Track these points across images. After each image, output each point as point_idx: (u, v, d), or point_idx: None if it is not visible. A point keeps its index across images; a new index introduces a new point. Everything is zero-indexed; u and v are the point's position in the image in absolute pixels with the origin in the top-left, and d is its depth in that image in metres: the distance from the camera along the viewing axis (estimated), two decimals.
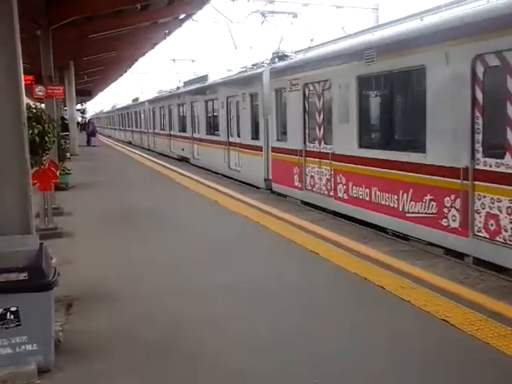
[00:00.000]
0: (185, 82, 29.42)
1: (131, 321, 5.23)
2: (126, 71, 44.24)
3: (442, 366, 4.21)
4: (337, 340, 4.74)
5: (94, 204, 12.43)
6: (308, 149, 13.22)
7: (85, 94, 43.49)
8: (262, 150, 15.87)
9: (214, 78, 23.05)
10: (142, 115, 40.23)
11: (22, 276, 4.06)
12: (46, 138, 8.20)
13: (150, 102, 36.75)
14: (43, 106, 14.66)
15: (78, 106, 51.71)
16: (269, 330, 4.98)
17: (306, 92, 13.18)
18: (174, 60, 36.26)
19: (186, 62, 37.73)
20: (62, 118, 28.28)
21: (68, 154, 19.92)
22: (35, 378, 4.05)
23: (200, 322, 5.17)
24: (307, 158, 13.28)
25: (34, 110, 8.29)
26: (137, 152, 31.28)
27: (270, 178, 15.54)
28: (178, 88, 30.57)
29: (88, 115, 77.42)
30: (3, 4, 4.73)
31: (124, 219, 10.44)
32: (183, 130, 26.56)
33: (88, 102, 71.44)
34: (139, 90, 73.27)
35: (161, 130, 32.77)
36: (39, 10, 14.70)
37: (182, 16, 21.68)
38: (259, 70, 16.59)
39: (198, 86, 24.31)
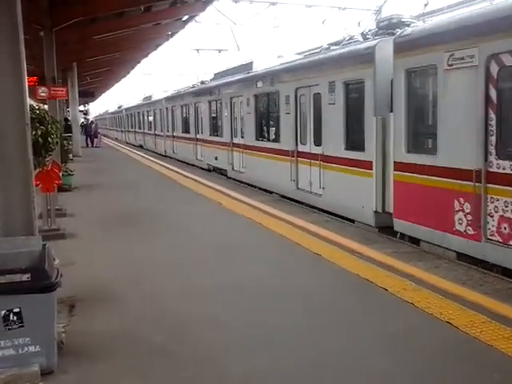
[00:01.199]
0: (216, 74, 23.84)
1: (134, 322, 5.23)
2: (128, 72, 44.32)
3: (446, 368, 4.20)
4: (339, 341, 4.73)
5: (97, 205, 12.44)
6: (494, 169, 7.56)
7: (87, 96, 43.68)
8: (370, 167, 10.44)
9: (262, 65, 17.77)
10: (158, 115, 34.31)
11: (25, 277, 4.06)
12: (49, 139, 8.22)
13: (169, 99, 30.93)
14: (46, 107, 14.69)
15: (81, 108, 51.85)
16: (272, 329, 4.97)
17: (493, 69, 7.50)
18: (197, 50, 30.35)
19: (210, 53, 31.91)
20: (65, 120, 28.33)
21: (71, 156, 19.91)
22: (38, 379, 4.05)
23: (203, 322, 5.17)
24: (492, 186, 7.61)
25: (38, 111, 8.31)
26: (140, 153, 31.28)
27: (391, 210, 9.97)
28: (203, 83, 25.69)
29: (90, 116, 77.29)
30: (7, 6, 4.75)
31: (127, 221, 10.44)
32: (216, 133, 21.35)
33: (90, 104, 71.56)
34: (144, 90, 72.81)
35: (183, 132, 27.08)
36: (43, 11, 14.75)
37: (185, 17, 21.71)
38: (366, 44, 10.83)
39: (239, 77, 18.71)
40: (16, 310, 4.03)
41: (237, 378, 4.11)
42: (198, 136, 24.05)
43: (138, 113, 43.80)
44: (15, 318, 4.04)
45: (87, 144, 38.66)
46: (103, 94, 70.95)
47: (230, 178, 19.25)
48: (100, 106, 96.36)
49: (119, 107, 61.21)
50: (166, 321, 5.25)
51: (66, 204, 11.53)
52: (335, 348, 4.60)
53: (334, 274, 6.69)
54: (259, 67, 17.75)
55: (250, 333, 4.95)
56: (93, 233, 9.41)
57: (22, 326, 4.05)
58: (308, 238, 8.48)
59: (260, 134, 16.76)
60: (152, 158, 27.20)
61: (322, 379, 4.07)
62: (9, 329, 4.03)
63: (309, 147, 13.10)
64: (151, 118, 37.36)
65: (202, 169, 22.82)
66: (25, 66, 4.92)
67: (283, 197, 14.54)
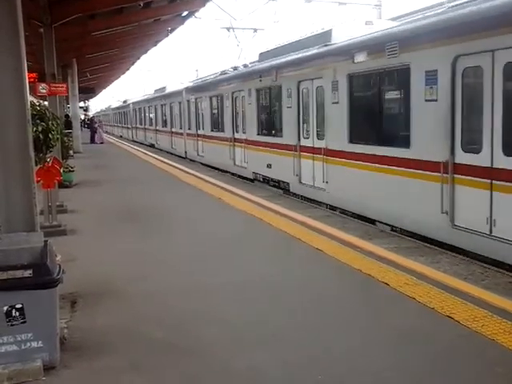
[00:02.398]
0: (264, 53, 17.80)
1: (136, 318, 5.24)
2: (128, 68, 44.28)
3: (447, 363, 4.21)
4: (340, 336, 4.74)
5: (98, 201, 12.44)
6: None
7: (88, 92, 43.60)
8: None
9: (344, 35, 12.75)
10: (176, 109, 29.07)
11: (27, 273, 4.07)
12: (50, 136, 8.24)
13: (192, 90, 25.62)
14: (46, 103, 14.69)
15: (81, 104, 51.76)
16: (273, 326, 4.98)
17: None
18: (228, 28, 25.62)
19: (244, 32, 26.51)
20: (66, 116, 28.32)
21: (71, 152, 19.92)
22: (41, 374, 4.06)
23: (205, 319, 5.17)
24: None
25: (38, 108, 8.31)
26: (140, 149, 31.27)
27: None
28: (246, 66, 20.61)
29: (91, 113, 76.98)
30: (6, 3, 4.73)
31: (128, 217, 10.45)
32: (271, 132, 16.06)
33: (91, 100, 71.48)
34: (144, 86, 72.35)
35: (214, 130, 21.68)
36: (42, 7, 14.71)
37: (185, 13, 21.67)
38: None
39: (312, 52, 13.60)
40: (18, 305, 4.04)
41: (239, 374, 4.12)
42: (237, 136, 18.74)
43: (149, 107, 38.33)
44: (17, 313, 4.05)
45: (92, 140, 38.34)
46: (103, 91, 70.88)
47: (294, 193, 14.71)
48: (100, 103, 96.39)
49: (125, 102, 55.69)
50: (168, 317, 5.26)
51: (67, 200, 11.54)
52: (336, 343, 4.61)
53: (335, 269, 6.69)
54: (341, 37, 12.91)
55: (252, 329, 4.95)
56: (94, 229, 9.42)
57: (25, 322, 4.07)
58: (309, 233, 8.48)
59: (359, 136, 11.35)
60: (151, 153, 27.22)
61: (324, 375, 4.08)
62: (11, 325, 4.05)
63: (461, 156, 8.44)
64: (167, 114, 32.13)
65: (242, 178, 18.53)
66: (25, 62, 4.90)
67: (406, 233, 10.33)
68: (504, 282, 7.18)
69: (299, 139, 14.05)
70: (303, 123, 13.93)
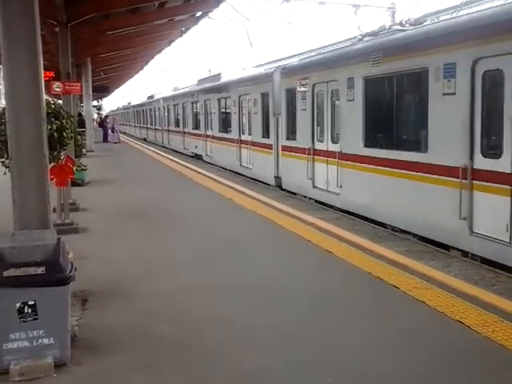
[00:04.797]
0: (362, 36, 12.80)
1: (146, 316, 5.27)
2: (142, 68, 44.38)
3: (457, 367, 4.20)
4: (349, 339, 4.74)
5: (110, 200, 12.51)
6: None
7: (101, 91, 43.71)
8: None
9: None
10: (229, 106, 21.47)
11: (40, 270, 4.11)
12: (64, 134, 8.28)
13: (249, 81, 19.10)
14: (60, 102, 14.78)
15: (95, 103, 51.85)
16: (283, 327, 4.99)
17: None
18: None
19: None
20: (79, 114, 28.47)
21: (84, 151, 20.01)
22: (52, 371, 4.10)
23: (215, 319, 5.19)
24: None
25: (53, 106, 8.37)
26: (152, 148, 31.35)
27: None
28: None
29: (104, 112, 76.97)
30: (25, 4, 4.79)
31: (140, 216, 10.50)
32: (393, 143, 10.68)
33: (104, 99, 71.68)
34: (158, 86, 71.73)
35: (291, 138, 15.35)
36: (58, 7, 14.81)
37: (199, 14, 21.72)
38: None
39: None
40: (31, 302, 4.09)
41: (249, 375, 4.14)
42: (331, 148, 13.05)
43: (185, 105, 29.65)
44: (30, 310, 4.09)
45: (105, 139, 38.43)
46: (116, 90, 71.10)
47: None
48: (113, 102, 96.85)
49: (151, 97, 46.37)
50: (178, 317, 5.28)
51: (80, 199, 11.61)
52: (345, 346, 4.61)
53: (345, 271, 6.69)
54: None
55: (262, 329, 4.97)
56: (105, 227, 9.48)
57: (37, 319, 4.11)
58: (319, 235, 8.48)
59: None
60: (163, 153, 27.24)
61: (334, 377, 4.09)
62: (24, 321, 4.09)
63: None
64: (214, 114, 23.70)
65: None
66: (41, 61, 4.96)
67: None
68: None
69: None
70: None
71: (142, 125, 50.99)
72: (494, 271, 7.80)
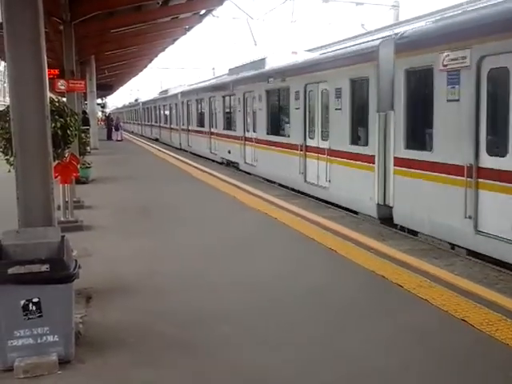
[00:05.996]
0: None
1: (150, 314, 5.28)
2: (146, 66, 44.44)
3: (461, 366, 4.20)
4: (353, 338, 4.74)
5: (114, 198, 12.54)
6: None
7: (106, 89, 43.81)
8: None
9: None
10: (285, 100, 16.61)
11: (44, 268, 4.12)
12: (68, 132, 8.30)
13: (328, 63, 13.84)
14: (64, 99, 14.81)
15: (99, 101, 51.81)
16: (286, 325, 5.00)
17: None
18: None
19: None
20: (84, 112, 28.52)
21: (88, 148, 20.05)
22: (56, 368, 4.11)
23: (218, 317, 5.20)
24: None
25: (57, 104, 8.39)
26: (155, 146, 31.35)
27: None
28: None
29: (108, 109, 76.92)
30: (29, 2, 4.80)
31: (144, 213, 10.52)
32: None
33: (108, 97, 71.70)
34: (162, 84, 71.26)
35: (416, 147, 10.23)
36: (62, 5, 14.84)
37: (203, 12, 21.72)
38: None
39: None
40: (35, 299, 4.10)
41: (251, 372, 4.14)
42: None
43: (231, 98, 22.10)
44: (34, 307, 4.10)
45: (109, 137, 38.56)
46: (120, 88, 71.15)
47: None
48: (117, 99, 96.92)
49: (164, 91, 41.56)
50: (181, 314, 5.29)
51: (84, 196, 11.64)
52: (348, 345, 4.61)
53: (348, 269, 6.69)
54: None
55: (265, 327, 4.97)
56: (110, 225, 9.50)
57: (41, 316, 4.12)
58: (323, 234, 8.48)
59: None
60: (165, 150, 27.21)
61: (335, 376, 4.09)
62: (28, 318, 4.10)
63: None
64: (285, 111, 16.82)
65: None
66: (45, 59, 4.97)
67: None
68: None
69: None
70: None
71: (153, 123, 44.84)
72: (498, 270, 7.79)
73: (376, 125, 11.06)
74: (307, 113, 14.78)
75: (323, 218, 9.87)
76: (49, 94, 5.29)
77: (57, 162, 8.66)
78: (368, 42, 13.10)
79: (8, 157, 8.01)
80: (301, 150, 14.92)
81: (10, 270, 4.05)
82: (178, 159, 22.73)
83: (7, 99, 7.42)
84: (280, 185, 16.81)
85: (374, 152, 11.15)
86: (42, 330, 4.14)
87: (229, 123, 22.56)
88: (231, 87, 21.56)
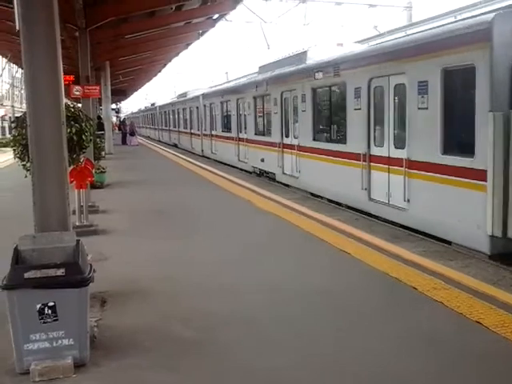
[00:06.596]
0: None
1: (164, 317, 5.31)
2: (160, 71, 44.68)
3: (475, 368, 4.17)
4: (367, 340, 4.73)
5: (129, 202, 12.62)
6: None
7: (120, 94, 44.11)
8: None
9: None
10: (338, 100, 14.17)
11: (60, 272, 4.17)
12: (84, 137, 8.37)
13: (406, 50, 10.72)
14: (79, 105, 14.95)
15: (113, 106, 52.15)
16: (300, 326, 5.01)
17: None
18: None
19: None
20: (98, 117, 28.75)
21: (103, 153, 20.21)
22: (71, 372, 4.16)
23: (232, 320, 5.22)
24: None
25: (72, 110, 8.47)
26: (170, 150, 31.44)
27: None
28: None
29: (122, 114, 77.36)
30: (45, 10, 4.87)
31: (159, 218, 10.58)
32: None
33: (122, 102, 72.12)
34: (176, 89, 71.02)
35: None
36: (78, 12, 15.00)
37: (216, 16, 21.83)
38: None
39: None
40: (51, 303, 4.15)
41: (264, 375, 4.15)
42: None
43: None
44: (50, 311, 4.15)
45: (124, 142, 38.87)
46: (135, 93, 71.57)
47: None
48: (131, 104, 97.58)
49: (183, 95, 38.39)
50: (195, 317, 5.32)
51: (99, 201, 11.73)
52: (362, 346, 4.61)
53: (362, 272, 6.67)
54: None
55: (279, 330, 4.98)
56: (124, 229, 9.57)
57: (57, 320, 4.17)
58: (336, 236, 8.47)
59: None
60: (180, 154, 27.26)
61: (348, 379, 4.09)
62: (44, 322, 4.15)
63: None
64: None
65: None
66: (61, 65, 5.03)
67: None
68: None
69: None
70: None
71: (171, 128, 42.17)
72: None
73: (490, 129, 8.24)
74: (371, 114, 11.83)
75: (336, 220, 9.86)
76: (64, 100, 5.35)
77: (72, 166, 8.73)
78: (458, 21, 10.58)
79: (24, 162, 8.10)
80: (364, 161, 11.88)
81: (26, 275, 4.11)
82: (190, 162, 22.77)
83: (24, 105, 7.49)
84: (330, 200, 14.07)
85: (485, 165, 8.34)
86: (57, 333, 4.19)
87: (262, 128, 19.95)
88: (265, 86, 18.95)
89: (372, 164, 11.78)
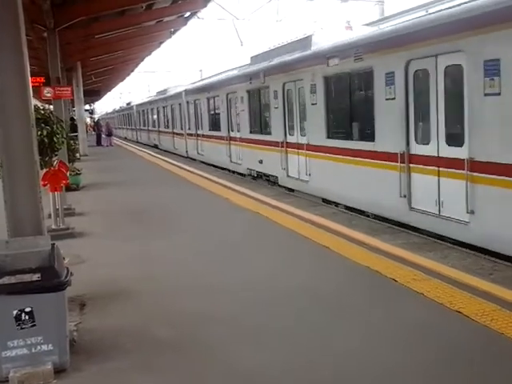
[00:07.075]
0: None
1: (145, 319, 5.25)
2: (133, 70, 44.35)
3: (457, 357, 4.19)
4: (349, 334, 4.73)
5: (106, 204, 12.48)
6: None
7: (93, 95, 43.60)
8: None
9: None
10: (360, 90, 12.21)
11: (36, 277, 4.09)
12: (55, 139, 8.25)
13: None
14: (51, 107, 14.74)
15: (87, 107, 51.61)
16: (282, 323, 4.98)
17: None
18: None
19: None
20: (72, 119, 28.43)
21: (78, 155, 19.98)
22: (52, 377, 4.08)
23: (213, 319, 5.18)
24: None
25: (42, 112, 8.34)
26: (145, 150, 31.23)
27: None
28: None
29: (96, 115, 76.64)
30: (8, 10, 4.76)
31: (135, 219, 10.47)
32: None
33: (96, 102, 71.44)
34: (150, 88, 70.91)
35: None
36: (45, 12, 14.76)
37: (187, 14, 21.70)
38: None
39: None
40: (27, 309, 4.06)
41: (247, 374, 4.12)
42: None
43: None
44: (27, 317, 4.07)
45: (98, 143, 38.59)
46: (108, 93, 70.89)
47: None
48: (105, 105, 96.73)
49: (162, 92, 35.95)
50: (176, 318, 5.27)
51: (75, 203, 11.58)
52: (344, 342, 4.61)
53: (343, 266, 6.68)
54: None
55: (261, 328, 4.96)
56: (102, 231, 9.45)
57: (34, 325, 4.08)
58: (316, 231, 8.47)
59: None
60: (156, 154, 27.11)
61: (333, 372, 4.08)
62: (21, 328, 4.06)
63: None
64: None
65: None
66: (28, 67, 4.93)
67: None
68: None
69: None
70: None
71: (150, 128, 39.60)
72: (493, 261, 7.81)
73: None
74: (411, 104, 9.80)
75: (315, 216, 9.87)
76: (34, 102, 5.25)
77: (45, 169, 8.60)
78: None
79: None
80: (401, 162, 9.84)
81: (1, 281, 4.02)
82: (166, 162, 22.63)
83: None
84: (347, 207, 12.24)
85: None
86: (35, 339, 4.10)
87: (259, 125, 17.71)
88: (262, 78, 16.57)
89: (412, 165, 9.70)
